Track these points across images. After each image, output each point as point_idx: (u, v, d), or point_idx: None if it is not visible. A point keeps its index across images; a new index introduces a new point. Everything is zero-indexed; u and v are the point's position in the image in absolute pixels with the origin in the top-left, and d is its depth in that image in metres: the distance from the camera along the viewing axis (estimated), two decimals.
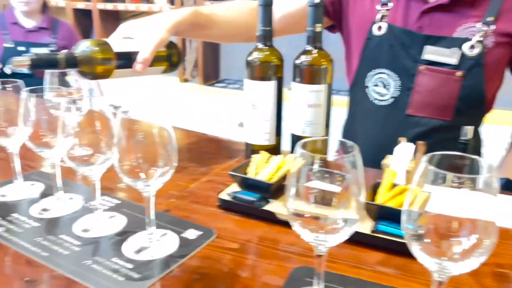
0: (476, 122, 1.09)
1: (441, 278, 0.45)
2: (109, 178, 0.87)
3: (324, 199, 0.48)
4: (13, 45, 2.19)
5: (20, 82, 0.79)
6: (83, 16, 3.21)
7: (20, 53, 2.03)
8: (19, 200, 0.78)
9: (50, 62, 0.77)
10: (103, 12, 3.09)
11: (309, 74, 0.86)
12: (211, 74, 2.99)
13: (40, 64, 0.76)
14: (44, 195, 0.80)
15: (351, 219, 0.48)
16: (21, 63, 0.75)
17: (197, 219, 0.73)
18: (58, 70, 0.79)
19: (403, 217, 0.45)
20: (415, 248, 0.45)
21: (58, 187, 0.76)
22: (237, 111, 2.52)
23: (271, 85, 0.89)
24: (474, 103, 1.01)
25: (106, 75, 0.84)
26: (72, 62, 0.79)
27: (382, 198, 0.70)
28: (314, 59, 0.85)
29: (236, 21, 1.08)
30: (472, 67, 0.95)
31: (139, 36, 0.88)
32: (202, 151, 1.06)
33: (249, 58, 0.89)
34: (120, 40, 0.88)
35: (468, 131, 1.03)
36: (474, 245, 0.43)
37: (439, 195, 0.43)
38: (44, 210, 0.74)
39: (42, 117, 0.72)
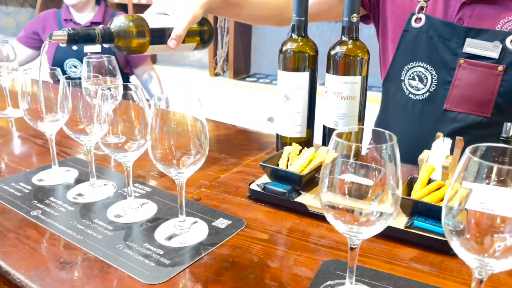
0: None
1: (481, 276, 0.43)
2: (141, 166, 0.89)
3: (359, 191, 0.47)
4: (65, 44, 2.11)
5: (57, 70, 0.81)
6: (118, 10, 3.28)
7: (71, 52, 1.99)
8: (55, 185, 0.80)
9: (86, 37, 0.78)
10: (137, 6, 3.14)
11: (344, 65, 0.84)
12: (241, 68, 2.99)
13: (77, 39, 0.77)
14: (79, 181, 0.82)
15: (386, 212, 0.46)
16: (59, 37, 0.76)
17: (227, 208, 0.73)
18: (95, 44, 0.80)
19: (443, 212, 0.43)
20: (454, 244, 0.43)
21: (93, 173, 0.78)
22: (266, 106, 2.51)
23: (305, 76, 0.87)
24: None
25: (140, 50, 0.85)
26: (108, 37, 0.80)
27: (418, 193, 0.68)
28: (350, 50, 0.83)
29: (268, 2, 1.07)
30: None
31: (173, 12, 0.88)
32: (233, 142, 1.06)
33: (283, 49, 0.88)
34: (154, 16, 0.89)
35: (510, 127, 0.99)
36: None
37: (480, 192, 0.41)
38: (79, 195, 0.76)
39: (79, 104, 0.74)
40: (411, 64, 0.99)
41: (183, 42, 0.86)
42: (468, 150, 0.42)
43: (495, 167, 0.39)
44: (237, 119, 2.71)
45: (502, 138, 0.99)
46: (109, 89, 0.66)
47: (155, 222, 0.68)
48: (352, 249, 0.49)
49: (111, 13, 2.12)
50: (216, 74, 2.99)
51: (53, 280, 0.55)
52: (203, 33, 0.93)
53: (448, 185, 0.71)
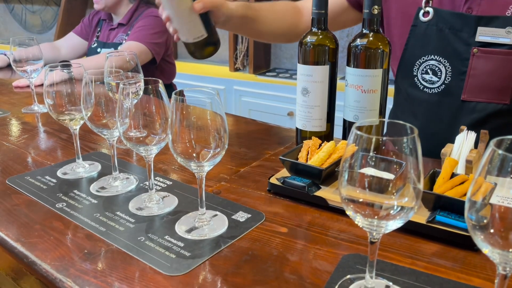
0: None
1: (506, 271, 0.42)
2: (162, 160, 0.90)
3: (379, 184, 0.46)
4: (96, 45, 1.98)
5: (81, 65, 0.82)
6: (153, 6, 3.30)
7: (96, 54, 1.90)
8: (79, 178, 0.82)
9: None
10: None
11: (365, 58, 0.83)
12: (262, 63, 2.98)
13: None
14: (102, 174, 0.83)
15: (407, 207, 0.46)
16: None
17: (247, 202, 0.73)
18: None
19: (466, 206, 0.42)
20: (478, 239, 0.42)
21: (115, 167, 0.79)
22: (287, 100, 2.51)
23: (324, 69, 0.87)
24: None
25: None
26: None
27: (441, 187, 0.67)
28: (370, 42, 0.82)
29: (281, 18, 1.13)
30: None
31: None
32: (253, 137, 1.07)
33: (303, 42, 0.87)
34: None
35: None
36: None
37: (505, 186, 0.40)
38: (102, 188, 0.78)
39: (102, 99, 0.75)
40: (423, 58, 0.98)
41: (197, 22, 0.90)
42: (492, 142, 0.41)
43: None
44: (258, 114, 2.71)
45: None
46: (130, 84, 0.67)
47: (176, 215, 0.69)
48: (372, 243, 0.49)
49: (141, 12, 1.92)
50: (236, 69, 3.00)
51: (77, 271, 0.56)
52: (212, 33, 0.94)
53: (472, 179, 0.70)
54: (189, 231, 0.64)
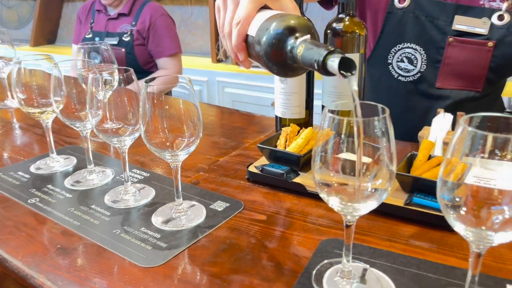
0: (500, 91, 1.07)
1: (479, 249, 0.42)
2: (140, 153, 0.88)
3: (352, 167, 0.45)
4: (91, 35, 1.96)
5: (51, 56, 0.80)
6: None
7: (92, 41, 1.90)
8: (53, 173, 0.80)
9: None
10: None
11: (341, 42, 0.82)
12: None
13: None
14: (78, 168, 0.82)
15: (381, 189, 0.45)
16: None
17: (226, 191, 0.73)
18: None
19: (438, 186, 0.42)
20: (451, 218, 0.42)
21: (90, 160, 0.78)
22: (270, 91, 2.50)
23: None
24: (505, 73, 0.98)
25: None
26: None
27: (418, 170, 0.67)
28: (347, 27, 0.81)
29: None
30: (504, 37, 0.90)
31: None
32: (233, 126, 1.05)
33: None
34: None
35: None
36: None
37: (476, 164, 0.39)
38: (77, 182, 0.76)
39: (73, 91, 0.73)
40: (399, 46, 0.99)
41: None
42: (462, 120, 0.40)
43: (490, 136, 0.37)
44: (241, 105, 2.69)
45: (507, 112, 0.97)
46: (101, 74, 0.65)
47: (152, 206, 0.68)
48: (347, 226, 0.48)
49: (141, 3, 1.95)
50: (219, 61, 2.97)
51: (49, 266, 0.55)
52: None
53: (422, 154, 0.70)
54: (166, 222, 0.63)
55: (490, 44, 0.91)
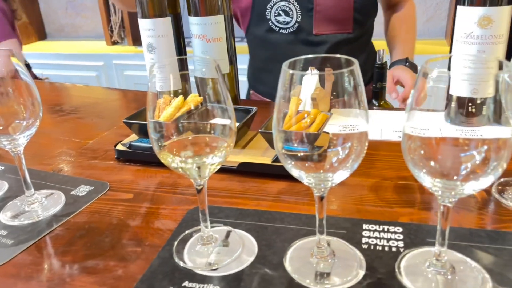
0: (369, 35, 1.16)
1: (321, 193, 0.42)
2: None
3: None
4: None
5: None
6: None
7: None
8: None
9: None
10: None
11: (204, 5, 0.79)
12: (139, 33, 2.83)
13: None
14: None
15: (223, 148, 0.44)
16: None
17: (92, 174, 0.67)
18: None
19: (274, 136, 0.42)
20: (289, 167, 0.42)
21: None
22: None
23: (167, 21, 0.81)
24: (368, 12, 1.07)
25: None
26: None
27: (286, 125, 0.66)
28: None
29: None
30: None
31: None
32: (110, 105, 0.98)
33: None
34: None
35: (383, 55, 1.02)
36: (348, 154, 0.40)
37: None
38: None
39: None
40: (273, 1, 1.03)
41: None
42: (284, 65, 0.40)
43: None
44: (144, 87, 2.57)
45: (377, 65, 1.02)
46: None
47: (3, 201, 0.60)
48: (198, 191, 0.46)
49: None
50: (114, 43, 2.80)
51: None
52: None
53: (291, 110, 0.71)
54: (16, 216, 0.57)
55: None
